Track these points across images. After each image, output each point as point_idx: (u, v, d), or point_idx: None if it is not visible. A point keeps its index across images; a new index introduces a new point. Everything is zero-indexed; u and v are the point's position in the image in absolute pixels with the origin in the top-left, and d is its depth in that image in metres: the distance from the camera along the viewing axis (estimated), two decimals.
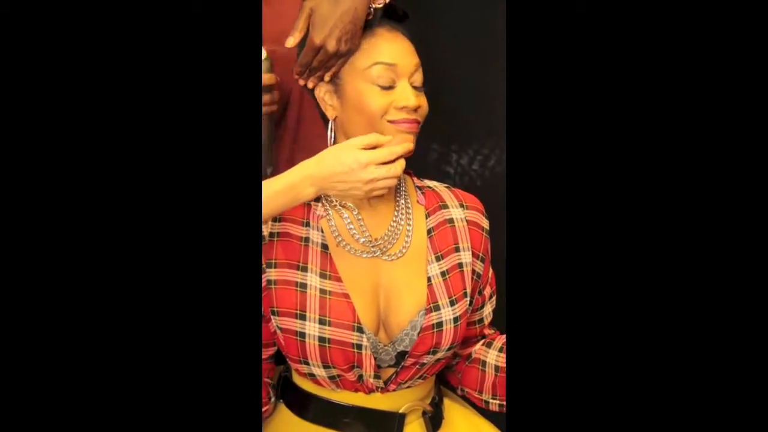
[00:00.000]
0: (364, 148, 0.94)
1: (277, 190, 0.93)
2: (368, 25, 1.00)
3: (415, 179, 1.13)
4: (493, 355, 1.13)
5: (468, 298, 1.07)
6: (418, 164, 1.12)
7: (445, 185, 1.14)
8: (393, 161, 0.96)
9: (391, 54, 0.99)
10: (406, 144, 0.97)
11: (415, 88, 1.00)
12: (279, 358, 1.09)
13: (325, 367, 1.00)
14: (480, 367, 1.13)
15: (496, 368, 1.11)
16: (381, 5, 1.00)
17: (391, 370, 1.04)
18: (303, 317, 0.99)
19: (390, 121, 0.98)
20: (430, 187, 1.13)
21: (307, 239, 1.03)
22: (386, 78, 0.98)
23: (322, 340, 0.99)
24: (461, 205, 1.12)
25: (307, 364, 1.01)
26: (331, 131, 1.04)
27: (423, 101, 1.01)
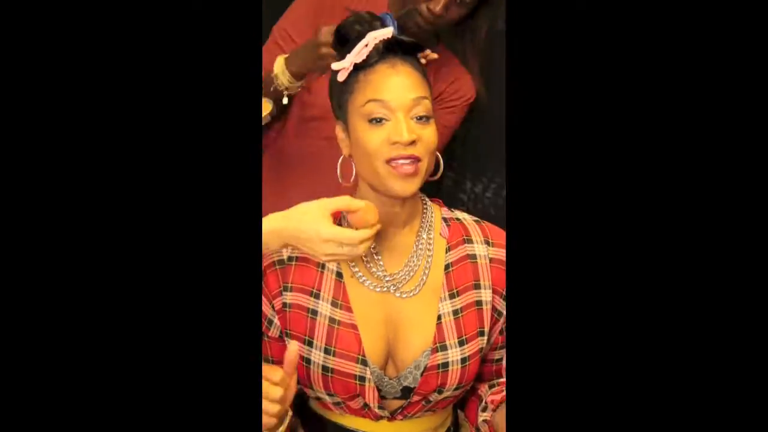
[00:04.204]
0: (333, 213, 0.92)
1: None
2: (368, 62, 0.98)
3: (444, 209, 1.11)
4: (484, 415, 1.09)
5: (484, 337, 1.05)
6: (431, 190, 1.09)
7: (475, 219, 1.11)
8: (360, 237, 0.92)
9: (383, 90, 0.96)
10: (370, 230, 0.93)
11: (417, 120, 0.97)
12: None
13: (329, 394, 1.02)
14: (480, 407, 1.11)
15: (485, 421, 1.08)
16: (379, 41, 0.98)
17: (399, 402, 1.04)
18: (310, 344, 1.02)
19: (387, 162, 0.96)
20: (458, 219, 1.10)
21: (323, 266, 1.04)
22: (378, 113, 0.96)
23: (325, 369, 1.01)
24: (486, 242, 1.08)
25: (312, 388, 1.03)
26: (339, 167, 1.05)
27: (426, 133, 0.97)
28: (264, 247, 0.94)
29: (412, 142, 0.95)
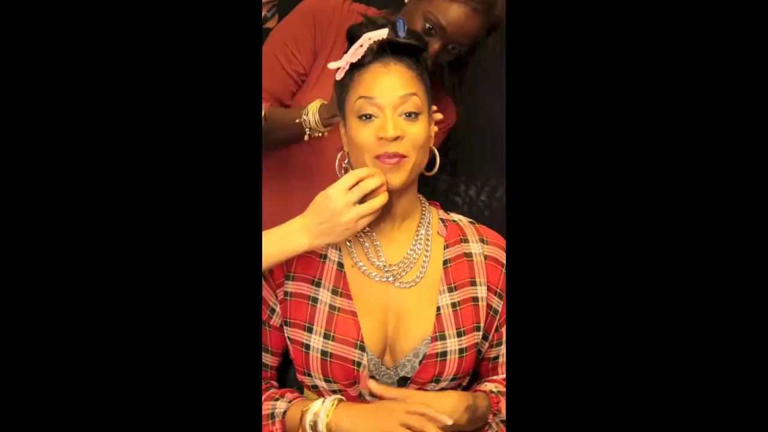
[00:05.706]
0: (350, 188, 0.96)
1: (273, 240, 0.97)
2: (362, 61, 1.01)
3: (440, 211, 1.15)
4: (490, 386, 1.10)
5: (480, 332, 1.07)
6: (426, 194, 1.14)
7: (470, 220, 1.15)
8: (373, 193, 0.97)
9: (373, 88, 1.00)
10: (377, 178, 0.98)
11: (406, 117, 1.00)
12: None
13: (326, 380, 1.03)
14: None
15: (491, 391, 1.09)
16: (373, 42, 1.01)
17: None
18: (310, 330, 1.03)
19: (376, 158, 0.99)
20: (454, 221, 1.13)
21: (325, 256, 1.07)
22: (367, 110, 1.00)
23: (324, 353, 1.02)
24: (482, 240, 1.12)
25: (310, 376, 1.04)
26: (338, 162, 1.08)
27: (413, 130, 1.00)
28: (288, 246, 0.98)
29: (397, 138, 0.98)
